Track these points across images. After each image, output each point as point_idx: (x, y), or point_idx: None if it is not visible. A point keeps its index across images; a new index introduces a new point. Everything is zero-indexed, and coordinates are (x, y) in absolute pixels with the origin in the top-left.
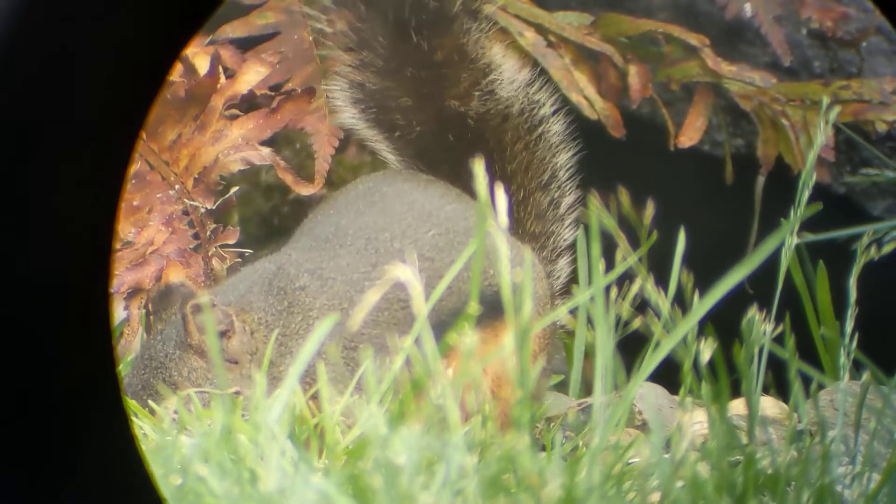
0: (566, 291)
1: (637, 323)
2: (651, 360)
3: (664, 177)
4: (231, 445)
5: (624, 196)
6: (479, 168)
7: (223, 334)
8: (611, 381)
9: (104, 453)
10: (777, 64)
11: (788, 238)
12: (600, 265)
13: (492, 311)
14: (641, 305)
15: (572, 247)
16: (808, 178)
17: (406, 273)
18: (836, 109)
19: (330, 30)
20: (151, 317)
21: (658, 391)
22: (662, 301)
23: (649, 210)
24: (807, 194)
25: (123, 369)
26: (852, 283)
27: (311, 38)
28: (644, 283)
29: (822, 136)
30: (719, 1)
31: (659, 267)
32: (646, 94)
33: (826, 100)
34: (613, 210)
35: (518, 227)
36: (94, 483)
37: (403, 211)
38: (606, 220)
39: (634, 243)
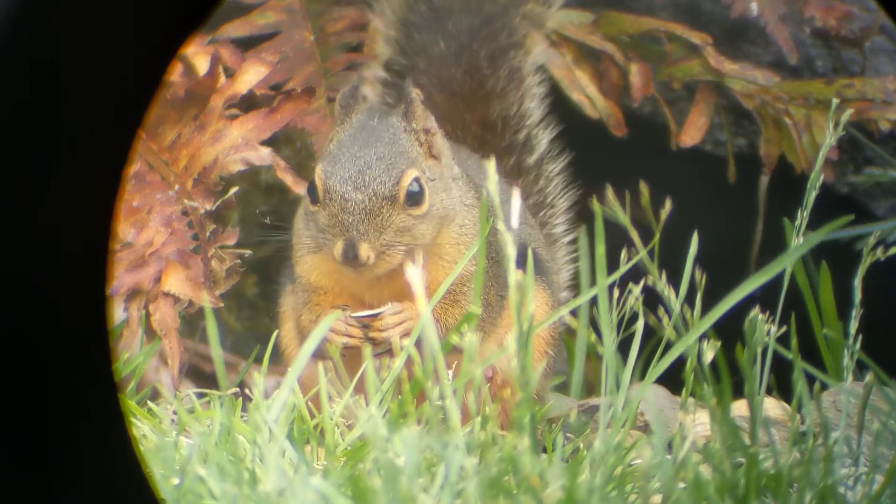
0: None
1: (640, 323)
2: (657, 367)
3: (666, 176)
4: (230, 446)
5: (644, 189)
6: (490, 167)
7: (428, 131)
8: (614, 382)
9: (103, 454)
10: (780, 62)
11: (795, 240)
12: (605, 263)
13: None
14: (643, 305)
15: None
16: (816, 180)
17: (412, 273)
18: (848, 112)
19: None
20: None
21: (660, 392)
22: (673, 300)
23: (667, 207)
24: (814, 195)
25: (122, 369)
26: (857, 284)
27: (311, 38)
28: (655, 282)
29: (832, 137)
30: (724, 0)
31: (660, 266)
32: (647, 92)
33: (836, 101)
34: (628, 206)
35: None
36: (93, 484)
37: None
38: (620, 216)
39: (643, 242)
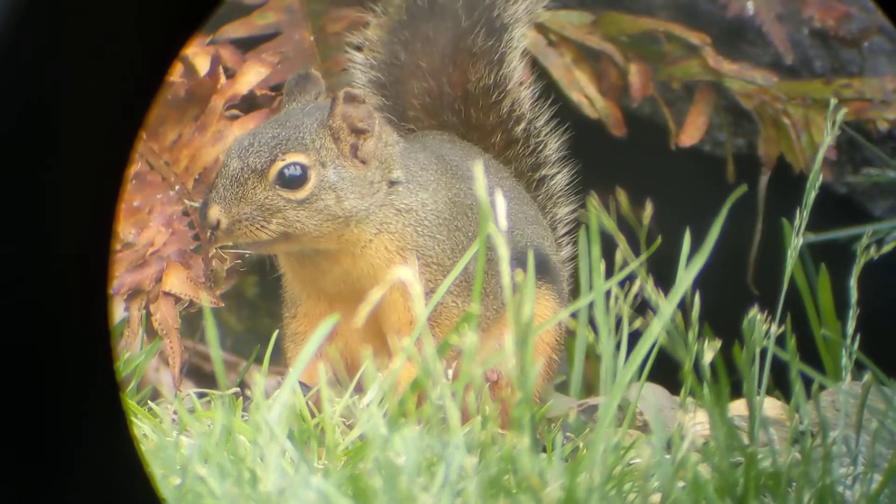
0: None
1: (637, 324)
2: (639, 351)
3: (665, 176)
4: (231, 446)
5: (622, 196)
6: (478, 171)
7: (361, 132)
8: (612, 381)
9: (103, 454)
10: (778, 63)
11: (794, 239)
12: (601, 266)
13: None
14: (643, 305)
15: (572, 232)
16: (815, 179)
17: (408, 274)
18: (843, 111)
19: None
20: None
21: (659, 392)
22: (662, 301)
23: (648, 210)
24: (813, 195)
25: (123, 369)
26: (853, 283)
27: (311, 38)
28: (643, 286)
29: (829, 137)
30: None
31: (660, 267)
32: (646, 92)
33: (833, 101)
34: (613, 210)
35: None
36: (93, 483)
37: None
38: (606, 221)
39: (634, 243)
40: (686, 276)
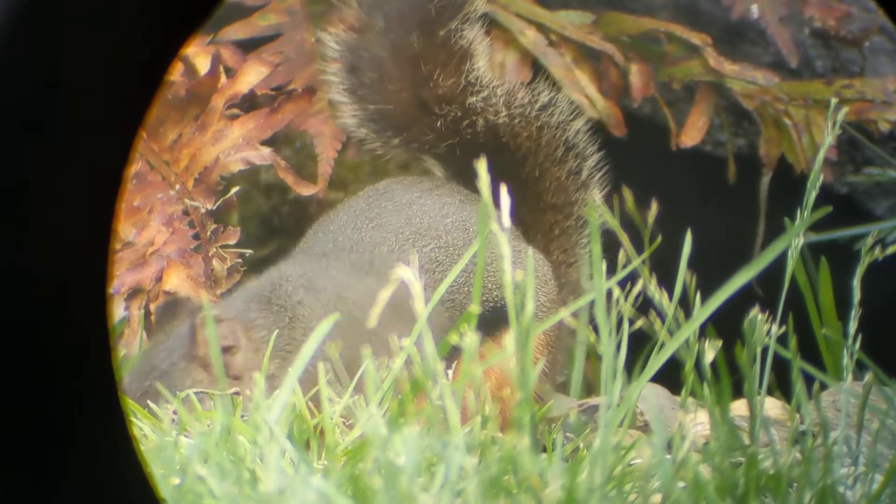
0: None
1: (639, 323)
2: (654, 363)
3: (666, 177)
4: (230, 446)
5: (627, 195)
6: (481, 168)
7: (228, 349)
8: (612, 382)
9: (103, 454)
10: (779, 63)
11: (794, 239)
12: (602, 264)
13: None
14: (644, 305)
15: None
16: (816, 179)
17: (407, 273)
18: (844, 110)
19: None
20: (154, 326)
21: (660, 392)
22: (666, 302)
23: (653, 210)
24: (814, 195)
25: (122, 369)
26: (856, 283)
27: (312, 40)
28: (647, 284)
29: (830, 137)
30: (725, 1)
31: (660, 267)
32: (647, 93)
33: (834, 100)
34: (616, 209)
35: (538, 200)
36: (92, 483)
37: (401, 226)
38: (609, 219)
39: (636, 243)
40: (713, 301)
